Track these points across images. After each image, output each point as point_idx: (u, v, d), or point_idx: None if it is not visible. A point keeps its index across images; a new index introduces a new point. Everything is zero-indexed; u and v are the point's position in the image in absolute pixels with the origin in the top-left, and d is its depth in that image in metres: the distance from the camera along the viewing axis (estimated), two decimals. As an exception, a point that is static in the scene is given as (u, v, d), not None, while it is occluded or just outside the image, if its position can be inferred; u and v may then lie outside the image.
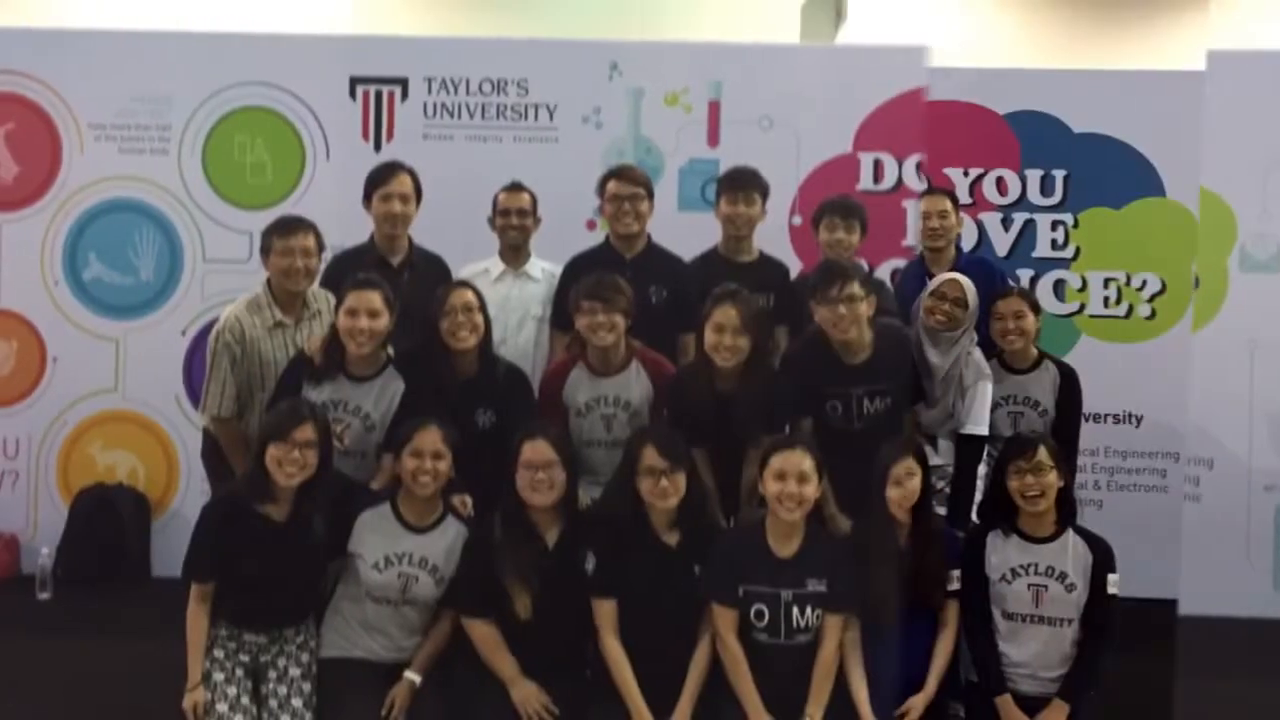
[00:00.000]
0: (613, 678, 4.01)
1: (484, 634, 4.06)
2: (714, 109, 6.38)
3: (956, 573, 4.19)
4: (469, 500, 4.29)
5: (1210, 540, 6.20)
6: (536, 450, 4.05)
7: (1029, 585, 4.15)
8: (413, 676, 4.04)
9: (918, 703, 4.07)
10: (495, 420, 4.48)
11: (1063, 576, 4.13)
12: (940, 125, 6.32)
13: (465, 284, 4.59)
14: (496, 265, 5.32)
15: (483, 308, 4.48)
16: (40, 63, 6.50)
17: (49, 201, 6.52)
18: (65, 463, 6.55)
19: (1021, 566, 4.16)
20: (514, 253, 5.33)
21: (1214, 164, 6.23)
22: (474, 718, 4.02)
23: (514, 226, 5.29)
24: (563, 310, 4.83)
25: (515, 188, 5.37)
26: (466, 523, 4.20)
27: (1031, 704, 4.12)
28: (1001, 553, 4.19)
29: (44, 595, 6.08)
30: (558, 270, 5.18)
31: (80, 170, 6.52)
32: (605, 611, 4.05)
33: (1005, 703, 4.12)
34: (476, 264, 5.29)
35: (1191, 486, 6.27)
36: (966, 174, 6.36)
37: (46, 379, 6.54)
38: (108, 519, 6.35)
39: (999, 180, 6.37)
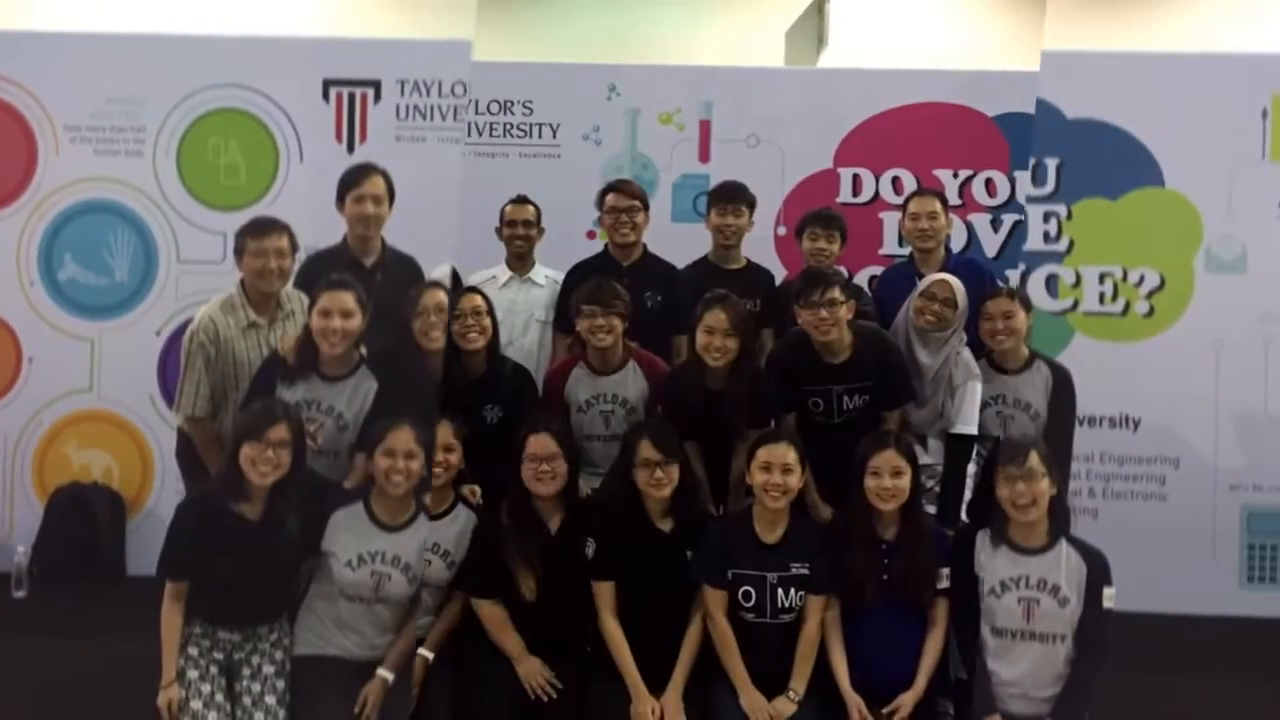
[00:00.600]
0: (612, 654, 4.17)
1: (491, 614, 4.24)
2: (705, 127, 6.62)
3: (946, 571, 4.21)
4: (478, 490, 4.49)
5: (1176, 539, 6.27)
6: (540, 443, 4.24)
7: (1019, 599, 4.07)
8: (385, 674, 4.07)
9: (907, 700, 4.10)
10: (502, 416, 4.70)
11: (1055, 590, 4.04)
12: (929, 127, 6.49)
13: (474, 289, 4.88)
14: (504, 272, 5.68)
15: (490, 311, 4.70)
16: (15, 64, 6.52)
17: (24, 203, 6.54)
18: (41, 462, 6.56)
19: (1011, 579, 4.09)
20: (520, 260, 5.68)
21: (1180, 165, 6.33)
22: (482, 690, 4.16)
23: (520, 236, 5.65)
24: (565, 314, 5.10)
25: (521, 201, 5.70)
26: (476, 510, 4.38)
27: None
28: (991, 563, 4.14)
29: (20, 594, 6.10)
30: (560, 276, 5.42)
31: (55, 172, 6.54)
32: (604, 592, 4.24)
33: None
34: (485, 271, 5.62)
35: (1157, 486, 6.35)
36: (956, 175, 6.47)
37: (22, 379, 6.55)
38: (83, 518, 6.37)
39: (988, 182, 6.46)
